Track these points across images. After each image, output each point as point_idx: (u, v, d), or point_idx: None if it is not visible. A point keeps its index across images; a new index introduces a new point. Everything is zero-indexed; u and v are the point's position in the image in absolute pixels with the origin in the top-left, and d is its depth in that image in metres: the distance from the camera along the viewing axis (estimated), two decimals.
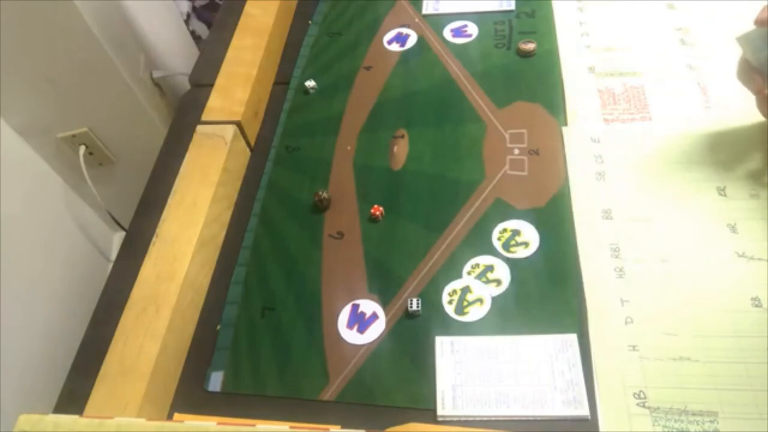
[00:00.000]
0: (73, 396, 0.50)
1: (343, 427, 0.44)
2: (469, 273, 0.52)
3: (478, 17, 0.74)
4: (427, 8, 0.77)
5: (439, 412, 0.45)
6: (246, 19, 0.75)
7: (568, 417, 0.44)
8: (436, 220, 0.56)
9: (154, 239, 0.55)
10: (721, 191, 0.53)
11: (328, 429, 0.43)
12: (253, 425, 0.41)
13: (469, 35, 0.72)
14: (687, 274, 0.49)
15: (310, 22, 0.80)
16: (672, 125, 0.58)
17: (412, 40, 0.73)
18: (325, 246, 0.57)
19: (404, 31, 0.75)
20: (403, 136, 0.64)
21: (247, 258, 0.58)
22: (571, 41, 0.68)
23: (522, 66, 0.67)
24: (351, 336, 0.51)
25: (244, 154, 0.66)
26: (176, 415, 0.49)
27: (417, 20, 0.76)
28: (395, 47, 0.73)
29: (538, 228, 0.54)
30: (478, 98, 0.65)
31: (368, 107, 0.68)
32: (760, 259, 0.48)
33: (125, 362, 0.48)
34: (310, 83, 0.71)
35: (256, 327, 0.53)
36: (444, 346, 0.48)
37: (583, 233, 0.53)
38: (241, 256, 0.58)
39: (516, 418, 0.44)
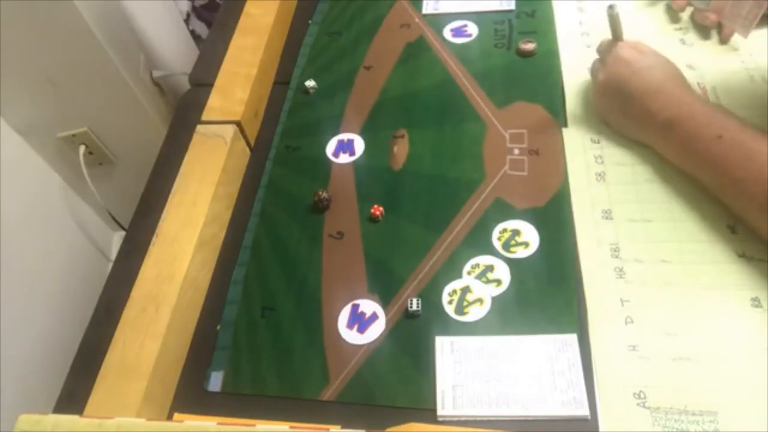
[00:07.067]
0: (73, 396, 0.50)
1: (343, 427, 0.44)
2: (469, 273, 0.52)
3: (478, 17, 0.74)
4: (427, 8, 0.77)
5: (439, 412, 0.45)
6: (246, 19, 0.75)
7: (568, 417, 0.44)
8: (436, 220, 0.56)
9: (154, 239, 0.55)
10: None
11: (328, 429, 0.43)
12: (253, 425, 0.41)
13: (469, 35, 0.72)
14: (687, 274, 0.49)
15: (310, 22, 0.80)
16: None
17: None
18: (325, 246, 0.57)
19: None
20: (403, 136, 0.64)
21: (247, 258, 0.58)
22: (571, 41, 0.68)
23: (522, 66, 0.67)
24: (351, 336, 0.51)
25: (244, 154, 0.66)
26: (176, 415, 0.49)
27: (417, 20, 0.76)
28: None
29: (538, 228, 0.54)
30: (478, 98, 0.65)
31: (368, 107, 0.68)
32: (760, 260, 0.48)
33: (125, 362, 0.48)
34: (310, 83, 0.71)
35: (256, 327, 0.53)
36: (444, 346, 0.48)
37: (583, 233, 0.53)
38: (241, 255, 0.58)
39: (516, 418, 0.44)
